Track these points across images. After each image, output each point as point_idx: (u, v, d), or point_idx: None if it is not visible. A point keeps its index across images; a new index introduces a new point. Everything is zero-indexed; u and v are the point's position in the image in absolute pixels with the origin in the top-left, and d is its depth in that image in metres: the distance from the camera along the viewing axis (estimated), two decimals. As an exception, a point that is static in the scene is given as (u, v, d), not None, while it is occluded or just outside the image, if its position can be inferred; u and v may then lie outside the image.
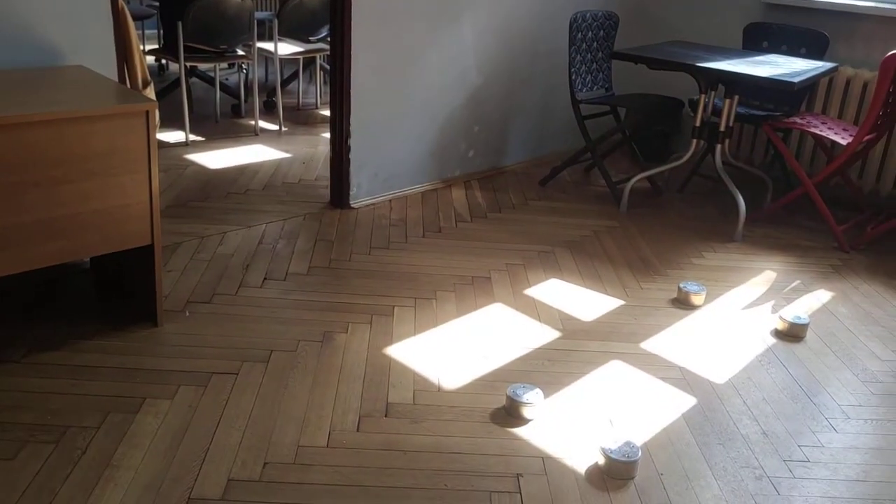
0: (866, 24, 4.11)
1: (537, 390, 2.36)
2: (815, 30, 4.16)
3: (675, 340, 2.83)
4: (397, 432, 2.22)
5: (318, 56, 5.55)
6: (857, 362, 2.77)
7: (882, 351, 2.86)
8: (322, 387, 2.40)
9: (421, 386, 2.45)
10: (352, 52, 3.57)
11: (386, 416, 2.29)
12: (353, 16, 3.51)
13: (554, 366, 2.61)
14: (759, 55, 3.99)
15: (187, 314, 2.75)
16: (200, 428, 2.17)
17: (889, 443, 2.35)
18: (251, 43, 4.83)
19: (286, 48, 5.10)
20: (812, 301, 3.19)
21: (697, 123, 3.87)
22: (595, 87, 4.28)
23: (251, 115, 5.13)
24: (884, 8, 4.06)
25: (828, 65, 3.83)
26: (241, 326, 2.71)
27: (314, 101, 5.84)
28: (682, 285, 3.11)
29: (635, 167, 4.43)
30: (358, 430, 2.22)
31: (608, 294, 3.13)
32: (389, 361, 2.57)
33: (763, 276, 3.40)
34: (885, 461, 2.26)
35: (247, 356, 2.52)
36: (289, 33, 5.18)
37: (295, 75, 5.91)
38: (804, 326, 2.92)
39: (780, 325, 2.93)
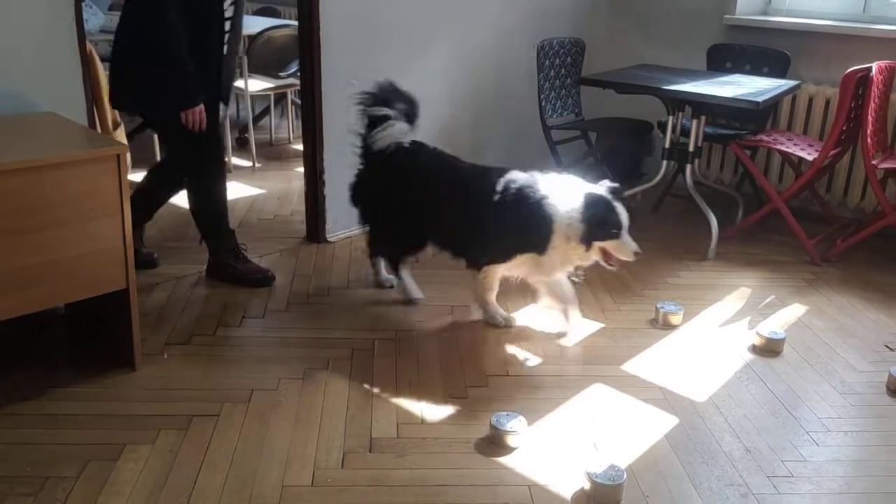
0: (825, 42, 4.21)
1: (521, 418, 2.36)
2: (776, 49, 4.25)
3: (654, 361, 2.84)
4: (382, 467, 2.21)
5: (289, 91, 5.57)
6: (835, 375, 2.80)
7: (858, 362, 2.89)
8: (304, 424, 2.39)
9: (404, 419, 2.44)
10: (322, 87, 3.59)
11: (370, 451, 2.28)
12: (322, 50, 3.54)
13: (536, 392, 2.62)
14: (723, 76, 4.07)
15: (165, 357, 2.73)
16: (182, 472, 2.14)
17: (870, 454, 2.37)
18: (221, 81, 4.83)
19: (256, 84, 5.12)
20: (787, 315, 3.23)
21: (667, 145, 3.92)
22: (565, 113, 4.34)
23: (224, 152, 5.11)
24: (841, 26, 4.16)
25: (790, 83, 3.91)
26: (220, 367, 2.69)
27: (287, 135, 5.85)
28: (659, 305, 3.14)
29: (608, 190, 4.47)
30: (342, 467, 2.20)
31: (587, 317, 3.15)
32: (371, 396, 2.56)
33: (738, 292, 3.43)
34: (867, 472, 2.28)
35: (227, 397, 2.50)
36: (258, 69, 5.20)
37: (267, 111, 5.92)
38: (781, 341, 2.95)
39: (758, 341, 2.96)
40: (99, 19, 4.89)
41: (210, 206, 3.28)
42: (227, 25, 3.07)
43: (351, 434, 2.35)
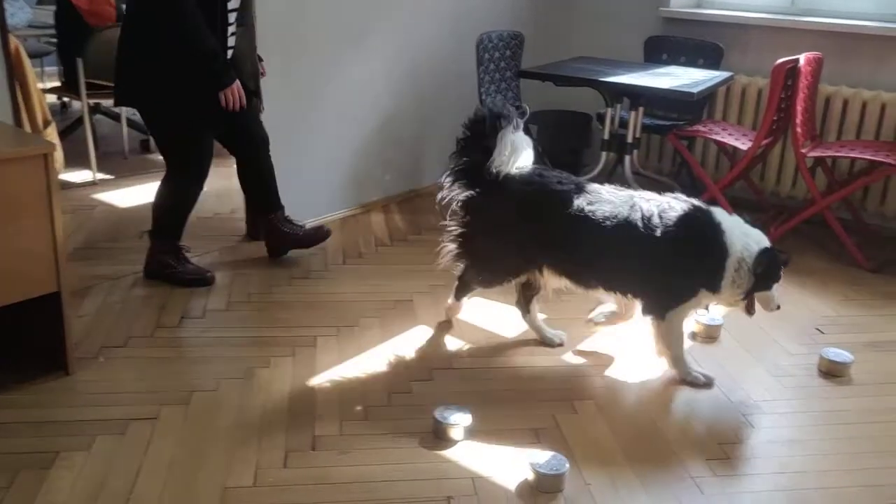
0: (756, 34, 4.31)
1: (464, 410, 2.37)
2: (710, 41, 4.33)
3: (595, 349, 2.88)
4: (326, 465, 2.19)
5: (227, 87, 5.47)
6: (770, 359, 2.88)
7: (792, 346, 2.97)
8: (246, 425, 2.35)
9: (347, 415, 2.43)
10: (259, 82, 3.53)
11: (313, 449, 2.26)
12: (258, 46, 3.48)
13: (479, 384, 2.63)
14: (659, 67, 4.14)
15: (101, 360, 2.66)
16: (119, 479, 2.09)
17: (803, 434, 2.44)
18: (157, 77, 4.73)
19: (194, 80, 5.01)
20: (724, 302, 3.30)
21: (606, 136, 3.98)
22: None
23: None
24: (772, 19, 4.27)
25: (724, 74, 4.00)
26: (158, 369, 2.63)
27: (226, 132, 5.75)
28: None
29: (550, 182, 4.51)
30: (285, 467, 2.18)
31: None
32: (314, 392, 2.54)
33: (677, 280, 3.49)
34: (801, 452, 2.35)
35: (166, 399, 2.45)
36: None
37: (205, 107, 5.81)
38: (718, 327, 3.02)
39: (696, 328, 3.02)
40: (26, 14, 4.74)
41: (176, 207, 3.25)
42: (232, 27, 3.07)
43: (293, 433, 2.33)
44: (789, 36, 4.17)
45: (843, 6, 4.22)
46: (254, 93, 3.30)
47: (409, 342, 2.88)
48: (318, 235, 3.51)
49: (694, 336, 3.01)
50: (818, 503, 2.13)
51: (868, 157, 3.68)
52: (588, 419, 2.46)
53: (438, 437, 2.33)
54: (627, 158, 3.95)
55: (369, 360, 2.75)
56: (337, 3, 3.77)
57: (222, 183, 4.55)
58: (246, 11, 3.17)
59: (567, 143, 4.70)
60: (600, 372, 2.73)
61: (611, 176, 4.42)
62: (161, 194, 3.25)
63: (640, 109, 3.89)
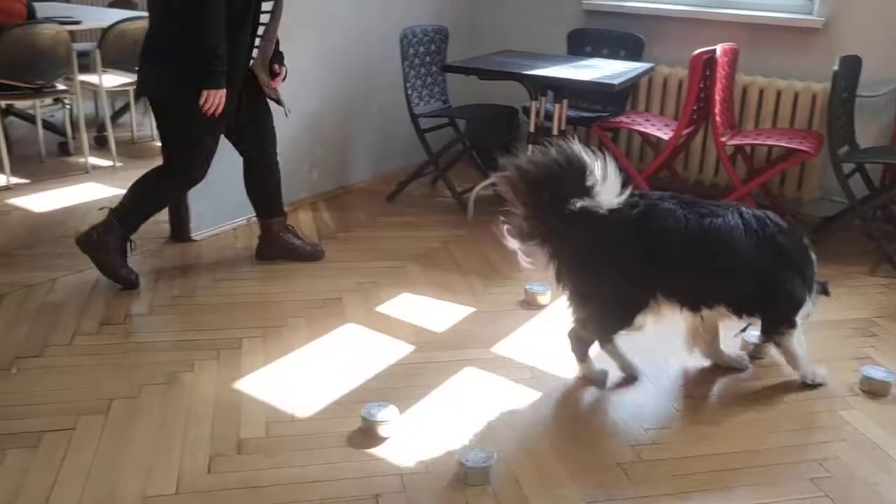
0: (676, 25, 4.40)
1: (392, 407, 2.36)
2: (631, 33, 4.40)
3: (524, 341, 2.90)
4: (251, 469, 2.15)
5: (148, 86, 5.33)
6: (693, 343, 2.94)
7: (714, 330, 3.04)
8: (168, 431, 2.30)
9: (274, 417, 2.39)
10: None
11: (238, 453, 2.22)
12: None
13: (408, 380, 2.62)
14: (582, 60, 4.18)
15: (14, 371, 2.56)
16: (32, 493, 2.02)
17: (723, 416, 2.50)
18: (72, 76, 4.58)
19: (112, 80, 4.88)
20: (649, 289, 3.36)
21: (532, 129, 4.00)
22: (432, 101, 4.35)
23: (81, 152, 4.86)
24: (690, 10, 4.36)
25: (645, 65, 4.06)
26: (76, 378, 2.55)
27: (150, 132, 5.60)
28: (527, 286, 3.20)
29: (479, 175, 4.52)
30: (209, 472, 2.13)
31: (459, 302, 3.18)
32: (240, 396, 2.49)
33: (604, 270, 3.54)
34: (722, 434, 2.41)
35: (84, 409, 2.37)
36: (114, 64, 4.94)
37: (127, 107, 5.65)
38: (643, 315, 3.06)
39: (622, 317, 3.06)
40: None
41: (155, 202, 3.24)
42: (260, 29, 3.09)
43: (218, 437, 2.28)
44: (707, 27, 4.27)
45: (757, -2, 4.34)
46: (275, 100, 3.30)
47: (337, 341, 2.86)
48: (312, 253, 3.51)
49: (620, 324, 3.05)
50: (739, 482, 2.18)
51: (784, 145, 3.80)
52: (515, 411, 2.47)
53: (367, 435, 2.31)
54: (553, 151, 3.98)
55: (296, 361, 2.71)
56: None
57: (144, 184, 4.45)
58: (273, 25, 3.15)
59: (495, 137, 4.72)
60: (526, 364, 2.75)
61: (538, 168, 4.46)
62: (146, 184, 3.18)
63: (565, 102, 3.92)
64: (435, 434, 2.34)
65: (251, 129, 3.30)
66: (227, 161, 3.76)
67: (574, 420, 2.44)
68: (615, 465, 2.23)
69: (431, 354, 2.79)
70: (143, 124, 5.78)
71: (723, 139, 3.85)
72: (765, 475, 2.21)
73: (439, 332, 2.95)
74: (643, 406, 2.53)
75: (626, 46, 4.41)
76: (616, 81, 3.57)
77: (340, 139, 4.40)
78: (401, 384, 2.59)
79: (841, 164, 3.67)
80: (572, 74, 3.70)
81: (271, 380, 2.59)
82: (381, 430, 2.30)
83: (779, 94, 4.13)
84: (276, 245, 3.47)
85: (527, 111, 4.06)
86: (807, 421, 2.49)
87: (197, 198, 3.65)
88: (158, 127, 3.18)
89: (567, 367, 2.72)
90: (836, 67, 3.60)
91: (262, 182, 3.43)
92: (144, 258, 3.48)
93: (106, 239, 3.14)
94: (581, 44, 4.52)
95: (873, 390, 2.61)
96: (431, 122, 4.34)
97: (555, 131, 3.94)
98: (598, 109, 4.39)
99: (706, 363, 2.79)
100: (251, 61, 3.16)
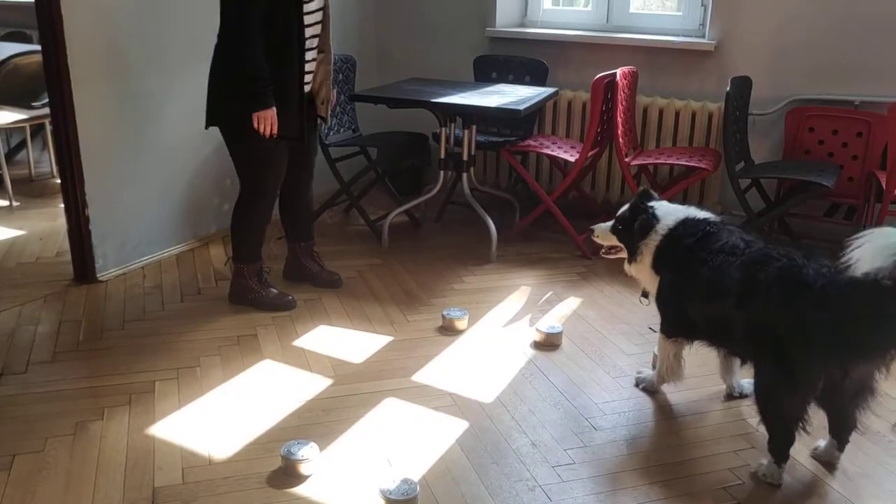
0: (577, 50, 4.53)
1: (312, 444, 2.32)
2: (535, 59, 4.51)
3: (443, 368, 2.91)
4: (167, 518, 2.09)
5: (46, 122, 5.15)
6: (608, 360, 3.01)
7: (628, 346, 3.12)
8: (77, 485, 2.20)
9: (190, 462, 2.32)
10: (76, 115, 3.35)
11: (153, 502, 2.14)
12: (72, 75, 3.30)
13: (328, 415, 2.59)
14: (489, 86, 4.26)
15: None
16: (-70, 562, 1.90)
17: (640, 430, 2.57)
18: (-38, 115, 4.38)
19: (6, 116, 4.69)
20: (564, 309, 3.43)
21: (442, 155, 4.04)
22: (342, 130, 4.34)
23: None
24: (589, 35, 4.50)
25: (549, 90, 4.16)
26: (-26, 434, 2.42)
27: (49, 169, 5.40)
28: (445, 312, 3.21)
29: (393, 203, 4.53)
30: (122, 525, 2.05)
31: (377, 332, 3.16)
32: (153, 442, 2.41)
33: (519, 291, 3.60)
34: (640, 449, 2.47)
35: (-16, 467, 2.26)
36: (8, 101, 4.76)
37: (23, 144, 5.43)
38: (559, 335, 3.12)
39: (538, 337, 3.12)
40: None
41: (245, 227, 3.31)
42: (312, 52, 3.14)
43: (131, 487, 2.20)
44: (606, 52, 4.41)
45: (652, 23, 4.51)
46: (323, 119, 3.39)
47: (253, 378, 2.80)
48: (330, 280, 3.60)
49: (536, 345, 3.10)
50: (661, 495, 2.24)
51: (684, 163, 3.95)
52: (437, 439, 2.47)
53: (288, 474, 2.27)
54: (465, 176, 4.03)
55: (212, 402, 2.65)
56: (160, 31, 3.62)
57: (46, 225, 4.29)
58: (325, 36, 3.21)
59: (406, 164, 4.75)
60: (447, 391, 2.76)
61: (451, 193, 4.51)
62: (236, 214, 3.30)
63: (473, 128, 3.98)
64: (357, 469, 2.32)
65: (299, 150, 3.32)
66: (132, 199, 3.67)
67: (496, 444, 2.46)
68: (538, 486, 2.26)
69: (351, 387, 2.76)
70: (42, 161, 5.58)
71: (627, 159, 3.97)
72: (685, 486, 2.28)
73: (358, 364, 2.93)
74: (563, 427, 2.57)
75: (531, 72, 4.51)
76: (522, 107, 3.64)
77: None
78: (321, 419, 2.56)
79: (738, 179, 3.84)
80: (480, 101, 3.76)
81: (186, 423, 2.52)
82: (303, 469, 2.27)
83: (677, 114, 4.30)
84: (299, 269, 3.60)
85: (437, 137, 4.10)
86: (719, 431, 2.57)
87: (101, 236, 3.53)
88: (230, 151, 3.22)
89: (486, 391, 2.75)
90: (728, 88, 3.77)
91: (293, 204, 3.49)
92: (46, 301, 3.34)
93: (243, 283, 3.34)
94: (487, 70, 4.60)
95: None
96: (342, 151, 4.34)
97: (465, 157, 3.99)
98: (507, 134, 4.47)
99: (619, 378, 2.86)
100: (311, 77, 3.21)
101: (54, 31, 3.22)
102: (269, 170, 3.19)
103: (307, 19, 3.06)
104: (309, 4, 3.04)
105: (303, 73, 3.12)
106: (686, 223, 2.58)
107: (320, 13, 3.14)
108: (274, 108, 3.00)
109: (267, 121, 2.99)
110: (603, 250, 2.86)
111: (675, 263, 2.55)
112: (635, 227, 2.63)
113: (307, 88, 3.22)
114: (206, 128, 3.17)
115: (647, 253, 2.61)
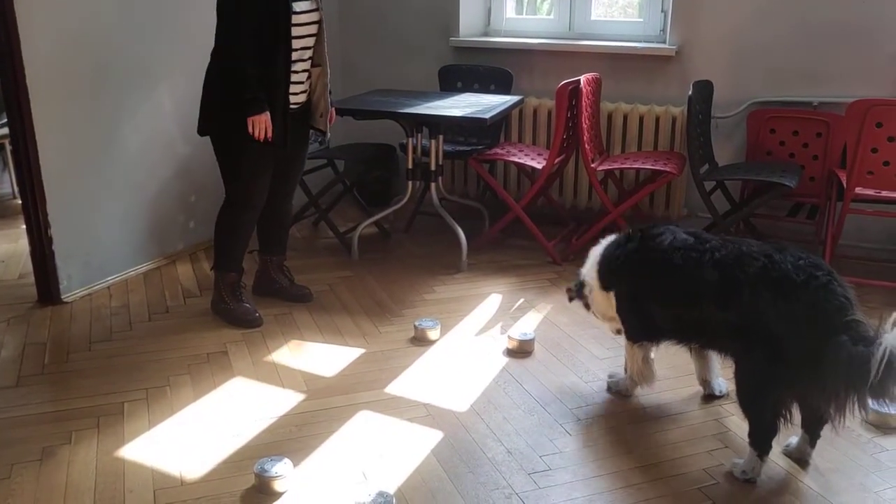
0: (540, 58, 4.55)
1: (286, 460, 2.30)
2: (500, 67, 4.53)
3: (417, 379, 2.90)
4: (139, 541, 2.05)
5: (6, 142, 5.06)
6: (580, 365, 3.02)
7: (600, 351, 3.14)
8: (45, 511, 2.15)
9: (161, 484, 2.28)
10: (35, 134, 3.29)
11: (124, 526, 2.11)
12: (30, 93, 3.24)
13: (301, 430, 2.56)
14: (454, 95, 4.27)
15: None
16: None
17: (615, 435, 2.58)
18: (-82, 137, 4.29)
19: (-36, 138, 4.60)
20: (535, 316, 3.44)
21: (410, 165, 4.03)
22: (309, 143, 4.31)
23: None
24: (552, 43, 4.53)
25: (514, 98, 4.18)
26: (-63, 463, 2.36)
27: (10, 190, 5.31)
28: (417, 323, 3.21)
29: (362, 214, 4.52)
30: (93, 551, 2.01)
31: (349, 345, 3.14)
32: (123, 464, 2.37)
33: (490, 300, 3.60)
34: (614, 453, 2.47)
35: (-53, 497, 2.20)
36: (-35, 121, 4.66)
37: (-18, 165, 5.34)
38: (531, 341, 3.13)
39: (511, 344, 3.12)
40: None
41: (227, 235, 3.31)
42: (304, 63, 3.15)
43: (101, 512, 2.16)
44: (569, 59, 4.44)
45: (614, 30, 4.55)
46: (323, 132, 3.39)
47: (225, 396, 2.77)
48: (300, 294, 3.58)
49: (508, 352, 3.10)
50: (637, 498, 2.24)
51: (649, 167, 3.98)
52: (412, 451, 2.46)
53: (262, 491, 2.24)
54: (433, 185, 4.03)
55: (182, 421, 2.61)
56: (119, 49, 3.58)
57: (7, 247, 4.21)
58: (319, 49, 3.23)
59: (374, 175, 4.75)
60: (420, 402, 2.74)
61: (420, 204, 4.50)
62: (218, 223, 3.31)
63: (440, 137, 3.99)
64: (333, 483, 2.29)
65: (287, 162, 3.33)
66: (96, 218, 3.61)
67: (471, 453, 2.45)
68: (514, 494, 2.25)
69: (324, 401, 2.74)
70: (2, 182, 5.48)
71: (593, 165, 4.00)
72: (661, 489, 2.28)
73: (330, 377, 2.90)
74: (538, 433, 2.57)
75: (496, 80, 4.53)
76: (488, 115, 3.65)
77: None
78: (294, 435, 2.53)
79: (703, 182, 3.89)
80: (446, 111, 3.77)
81: (157, 444, 2.48)
82: (277, 486, 2.24)
83: (641, 119, 4.34)
84: (266, 282, 3.59)
85: (404, 148, 4.10)
86: (693, 433, 2.59)
87: (65, 256, 3.48)
88: (218, 161, 3.22)
89: (460, 401, 2.74)
90: (690, 92, 3.82)
91: (270, 219, 3.45)
92: (9, 324, 3.27)
93: (217, 293, 3.36)
94: (452, 79, 4.61)
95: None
96: (310, 164, 4.30)
97: (433, 166, 3.99)
98: (474, 143, 4.48)
99: (592, 383, 2.87)
100: (300, 87, 3.19)
101: (11, 50, 3.17)
102: (257, 180, 3.19)
103: (296, 31, 3.05)
104: (299, 16, 3.04)
105: (288, 80, 3.10)
106: (614, 242, 2.70)
107: (314, 26, 3.15)
108: (268, 113, 3.01)
109: (261, 125, 3.00)
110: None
111: (624, 272, 2.62)
112: (573, 293, 2.88)
113: (302, 99, 3.22)
114: (200, 135, 3.19)
115: (592, 282, 2.74)
